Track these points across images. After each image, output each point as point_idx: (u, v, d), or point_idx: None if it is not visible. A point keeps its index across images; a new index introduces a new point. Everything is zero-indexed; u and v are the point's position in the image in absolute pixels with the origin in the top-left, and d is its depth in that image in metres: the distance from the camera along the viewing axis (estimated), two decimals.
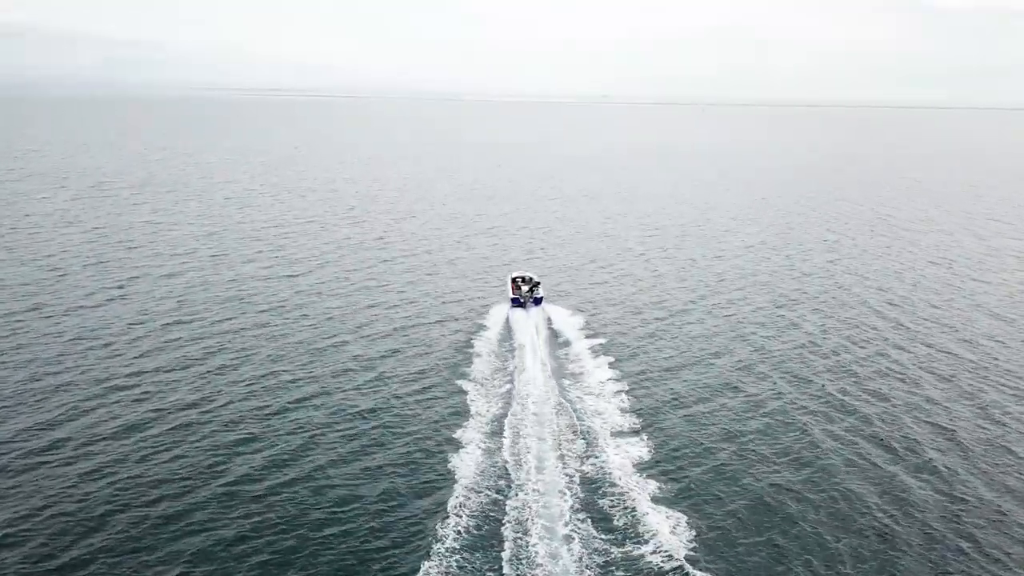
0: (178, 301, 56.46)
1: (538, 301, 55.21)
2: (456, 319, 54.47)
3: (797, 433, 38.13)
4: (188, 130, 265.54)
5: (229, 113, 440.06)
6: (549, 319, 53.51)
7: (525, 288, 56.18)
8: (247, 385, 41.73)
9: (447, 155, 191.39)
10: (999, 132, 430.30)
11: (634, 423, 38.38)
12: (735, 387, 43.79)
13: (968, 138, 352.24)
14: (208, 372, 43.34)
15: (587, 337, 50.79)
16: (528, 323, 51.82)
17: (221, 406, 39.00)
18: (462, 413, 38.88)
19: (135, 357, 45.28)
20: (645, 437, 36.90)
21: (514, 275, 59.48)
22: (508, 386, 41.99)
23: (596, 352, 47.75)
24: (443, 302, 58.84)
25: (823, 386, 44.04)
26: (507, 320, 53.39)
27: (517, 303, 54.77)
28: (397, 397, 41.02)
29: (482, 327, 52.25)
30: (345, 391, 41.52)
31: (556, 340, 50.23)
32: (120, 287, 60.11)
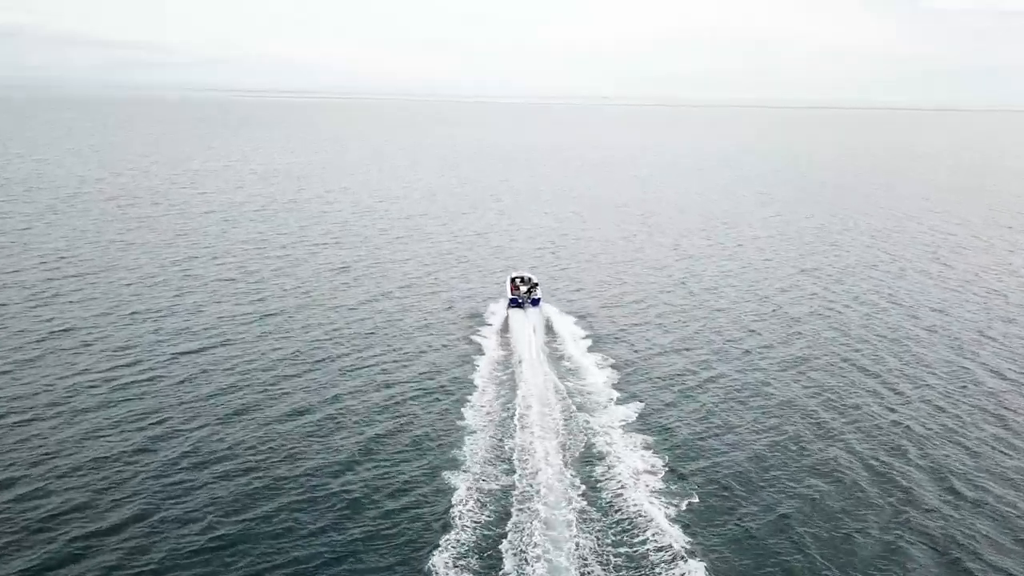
0: (124, 357, 45.83)
1: (536, 302, 54.54)
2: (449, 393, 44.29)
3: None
4: (180, 134, 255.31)
5: (225, 116, 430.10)
6: (548, 319, 52.76)
7: (524, 289, 55.82)
8: (186, 525, 31.44)
9: (449, 164, 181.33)
10: (1013, 134, 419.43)
11: (691, 543, 27.81)
12: (834, 477, 33.53)
13: (992, 141, 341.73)
14: (145, 471, 32.78)
15: (606, 371, 44.26)
16: (526, 324, 50.17)
17: (148, 538, 28.69)
18: (446, 526, 28.55)
19: (58, 442, 35.03)
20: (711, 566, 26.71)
21: (513, 275, 58.84)
22: (509, 477, 31.78)
23: (630, 427, 37.08)
24: (447, 368, 48.67)
25: (965, 494, 33.48)
26: (505, 321, 52.24)
27: (515, 303, 54.12)
28: (375, 504, 30.80)
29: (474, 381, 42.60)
30: (325, 508, 31.33)
31: (560, 360, 45.76)
32: (64, 331, 49.86)
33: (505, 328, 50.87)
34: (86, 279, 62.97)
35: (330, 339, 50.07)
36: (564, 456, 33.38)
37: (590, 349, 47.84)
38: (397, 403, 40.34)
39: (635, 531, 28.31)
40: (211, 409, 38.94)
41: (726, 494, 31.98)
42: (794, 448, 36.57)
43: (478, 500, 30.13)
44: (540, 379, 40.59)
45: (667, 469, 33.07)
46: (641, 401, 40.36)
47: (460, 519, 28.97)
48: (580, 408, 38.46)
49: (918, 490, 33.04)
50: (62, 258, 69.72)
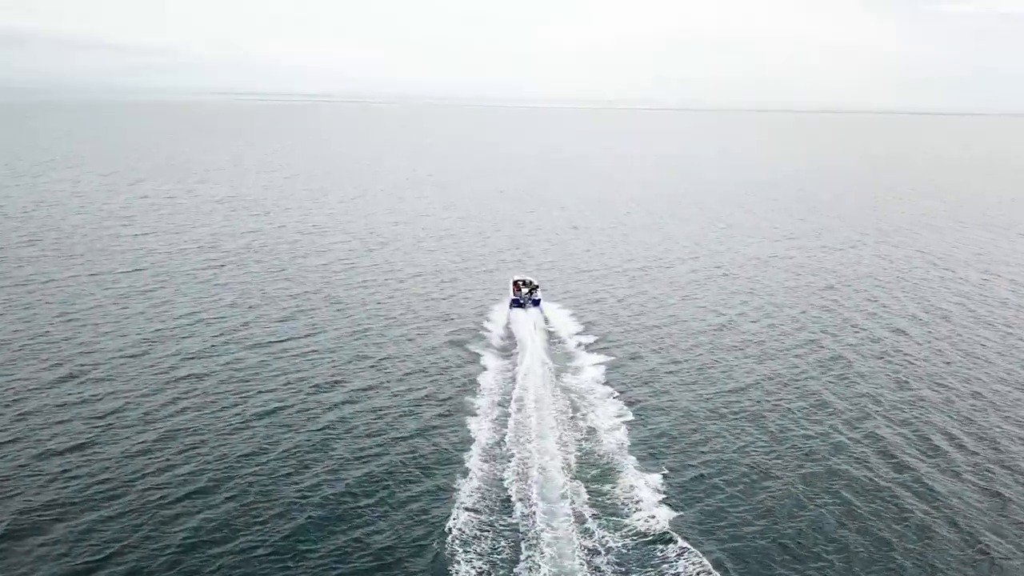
0: None
1: (537, 302, 56.46)
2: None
3: None
4: (161, 145, 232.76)
5: (221, 121, 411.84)
6: (548, 318, 54.72)
7: (525, 290, 57.28)
8: None
9: (452, 167, 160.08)
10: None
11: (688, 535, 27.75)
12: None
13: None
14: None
15: (604, 367, 46.22)
16: (527, 323, 52.32)
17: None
18: None
19: None
20: None
21: (515, 278, 60.62)
22: (510, 471, 32.72)
23: (627, 419, 38.68)
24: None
25: None
26: (508, 320, 54.30)
27: (517, 304, 55.87)
28: None
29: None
30: None
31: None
32: None
33: (507, 327, 53.30)
34: None
35: (333, 335, 51.09)
36: (562, 449, 34.60)
37: (589, 347, 49.76)
38: (401, 397, 41.40)
39: (632, 523, 29.28)
40: None
41: (727, 489, 31.91)
42: (794, 447, 35.42)
43: (479, 491, 31.57)
44: (540, 374, 42.78)
45: (665, 461, 34.39)
46: (638, 393, 41.99)
47: (462, 511, 30.06)
48: (578, 402, 40.12)
49: None
50: None
